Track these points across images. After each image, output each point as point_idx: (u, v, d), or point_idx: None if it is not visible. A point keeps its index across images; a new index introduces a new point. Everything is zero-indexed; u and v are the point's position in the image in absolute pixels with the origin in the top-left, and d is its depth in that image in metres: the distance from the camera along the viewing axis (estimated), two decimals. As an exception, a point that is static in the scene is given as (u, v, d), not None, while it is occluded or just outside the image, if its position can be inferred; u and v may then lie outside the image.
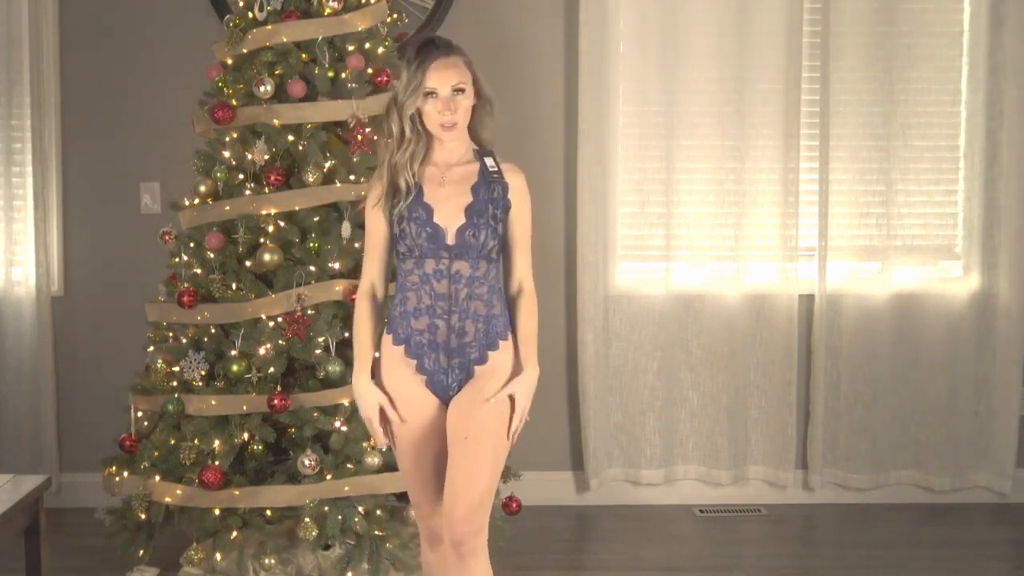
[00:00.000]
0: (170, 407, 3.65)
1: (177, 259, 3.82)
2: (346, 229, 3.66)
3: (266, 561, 3.63)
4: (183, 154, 4.12)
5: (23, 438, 4.63)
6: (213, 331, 3.72)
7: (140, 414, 3.78)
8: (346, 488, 3.55)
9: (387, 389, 2.79)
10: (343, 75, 3.77)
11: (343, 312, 3.61)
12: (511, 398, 2.74)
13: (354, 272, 3.57)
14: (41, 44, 4.54)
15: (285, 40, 3.74)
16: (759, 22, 4.59)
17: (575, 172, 4.62)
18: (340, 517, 3.54)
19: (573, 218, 4.66)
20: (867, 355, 4.71)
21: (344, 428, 3.59)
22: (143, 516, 3.63)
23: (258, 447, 3.64)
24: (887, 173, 4.67)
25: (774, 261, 4.70)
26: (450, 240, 2.71)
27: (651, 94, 4.65)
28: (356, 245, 3.63)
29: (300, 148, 3.70)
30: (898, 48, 4.63)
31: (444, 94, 2.68)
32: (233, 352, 3.65)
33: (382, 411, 2.78)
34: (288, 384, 3.66)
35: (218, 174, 3.76)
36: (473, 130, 2.79)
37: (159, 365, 3.75)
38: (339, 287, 3.61)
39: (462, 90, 2.69)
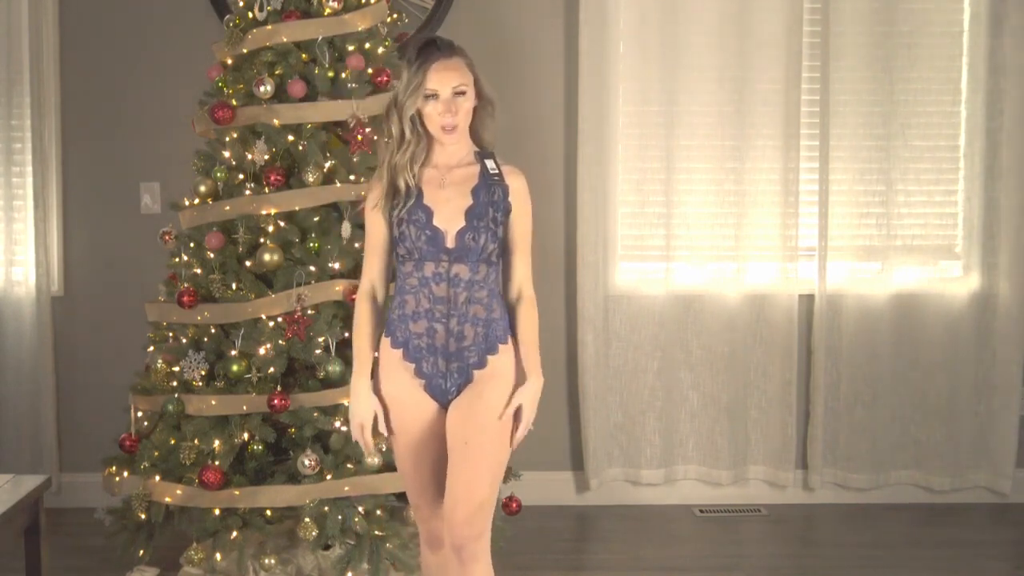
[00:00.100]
0: (170, 407, 3.65)
1: (177, 259, 3.82)
2: (346, 229, 3.66)
3: (266, 561, 3.63)
4: (183, 154, 4.12)
5: (23, 438, 4.63)
6: (213, 331, 3.72)
7: (140, 414, 3.78)
8: (346, 488, 3.55)
9: (385, 392, 2.77)
10: (343, 75, 3.77)
11: (343, 312, 3.61)
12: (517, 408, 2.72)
13: (354, 272, 3.57)
14: (41, 44, 4.54)
15: (285, 40, 3.74)
16: (759, 22, 4.60)
17: (575, 172, 4.62)
18: (340, 517, 3.54)
19: (573, 218, 4.66)
20: (867, 355, 4.71)
21: (344, 428, 3.58)
22: (143, 516, 3.63)
23: (258, 447, 3.64)
24: (887, 173, 4.67)
25: (774, 261, 4.70)
26: (449, 243, 2.69)
27: (651, 94, 4.65)
28: (356, 245, 3.63)
29: (300, 148, 3.70)
30: (898, 48, 4.63)
31: (445, 96, 2.65)
32: (233, 352, 3.65)
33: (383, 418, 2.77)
34: (288, 384, 3.66)
35: (218, 174, 3.76)
36: (474, 132, 2.77)
37: (159, 365, 3.75)
38: (339, 287, 3.61)
39: (463, 92, 2.67)
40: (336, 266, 3.64)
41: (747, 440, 4.76)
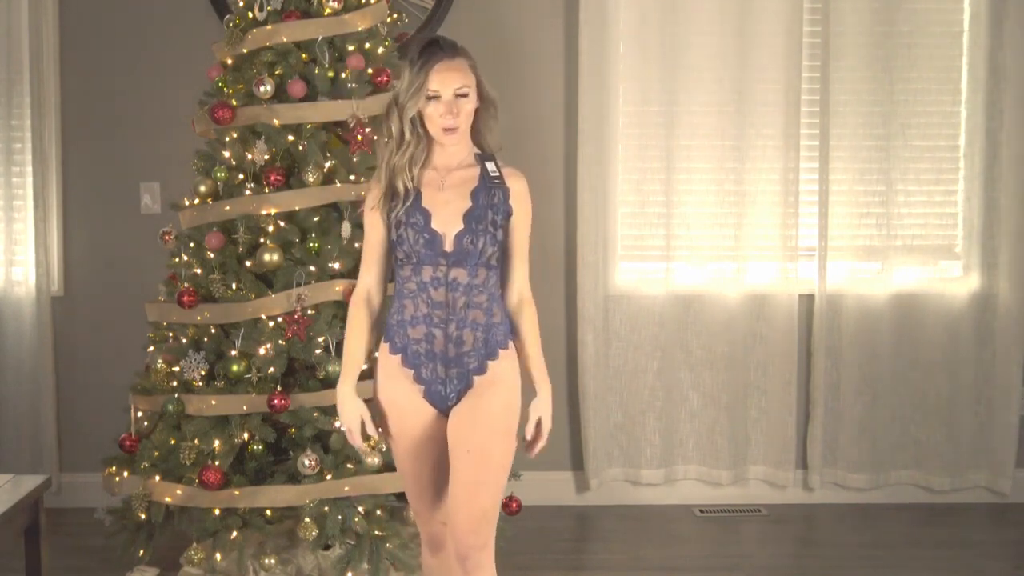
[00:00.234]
0: (170, 407, 3.65)
1: (177, 259, 3.82)
2: (346, 229, 3.66)
3: (266, 561, 3.63)
4: (183, 154, 4.12)
5: (23, 438, 4.63)
6: (213, 331, 3.72)
7: (140, 414, 3.78)
8: (346, 488, 3.55)
9: (384, 398, 2.74)
10: (343, 75, 3.77)
11: (343, 312, 3.60)
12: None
13: (354, 272, 3.55)
14: (41, 44, 4.54)
15: (285, 40, 3.74)
16: (759, 22, 4.59)
17: (575, 172, 4.62)
18: (340, 517, 3.54)
19: (573, 218, 4.66)
20: (867, 355, 4.71)
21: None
22: (143, 516, 3.63)
23: (258, 447, 3.64)
24: (887, 173, 4.67)
25: (774, 261, 4.70)
26: (448, 247, 2.64)
27: (651, 94, 4.65)
28: (356, 245, 3.63)
29: (300, 148, 3.70)
30: (898, 48, 4.63)
31: (447, 97, 2.61)
32: (233, 352, 3.65)
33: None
34: (288, 384, 3.66)
35: (218, 174, 3.76)
36: (475, 134, 2.72)
37: (159, 365, 3.75)
38: (339, 287, 3.61)
39: (465, 94, 2.62)
40: (336, 266, 3.64)
41: (747, 440, 4.76)
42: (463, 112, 2.63)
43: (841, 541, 4.41)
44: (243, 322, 3.66)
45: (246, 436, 3.63)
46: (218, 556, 3.63)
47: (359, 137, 3.68)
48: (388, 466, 3.56)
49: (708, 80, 4.64)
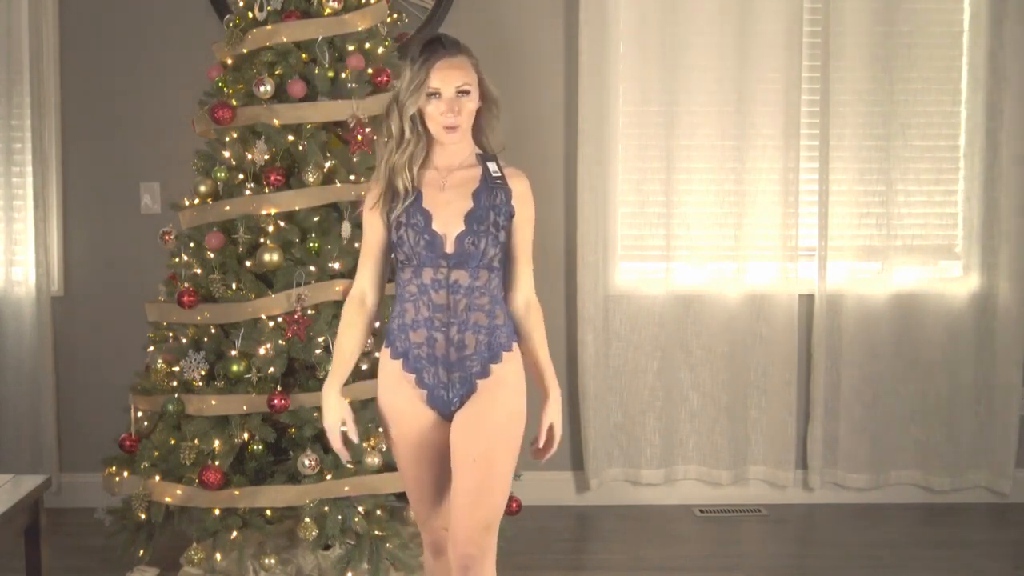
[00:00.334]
0: (170, 407, 3.65)
1: (177, 259, 3.82)
2: (346, 229, 3.66)
3: (266, 561, 3.63)
4: (183, 154, 4.12)
5: (23, 438, 4.63)
6: (213, 331, 3.72)
7: (140, 414, 3.78)
8: (346, 488, 3.55)
9: (385, 403, 2.69)
10: (343, 75, 3.77)
11: (343, 312, 3.61)
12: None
13: (354, 272, 3.54)
14: (41, 44, 4.54)
15: (285, 40, 3.74)
16: (759, 22, 4.60)
17: (575, 172, 4.63)
18: (340, 517, 3.54)
19: (573, 218, 4.66)
20: (867, 355, 4.71)
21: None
22: (143, 516, 3.63)
23: (258, 447, 3.64)
24: (887, 173, 4.67)
25: (774, 261, 4.70)
26: (448, 248, 2.58)
27: (651, 94, 4.65)
28: (356, 245, 3.62)
29: (300, 148, 3.70)
30: (898, 48, 4.63)
31: (448, 95, 2.56)
32: (233, 352, 3.65)
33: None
34: (288, 384, 3.66)
35: (218, 174, 3.76)
36: (476, 134, 2.67)
37: (159, 365, 3.75)
38: (339, 287, 3.61)
39: (467, 92, 2.57)
40: (336, 266, 3.64)
41: (747, 440, 4.76)
42: (464, 110, 2.58)
43: (841, 541, 4.41)
44: (243, 322, 3.66)
45: (246, 436, 3.63)
46: (218, 556, 3.63)
47: (359, 137, 3.68)
48: (388, 466, 3.56)
49: (708, 80, 4.64)
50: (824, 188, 4.66)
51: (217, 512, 3.57)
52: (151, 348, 3.87)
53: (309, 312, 3.62)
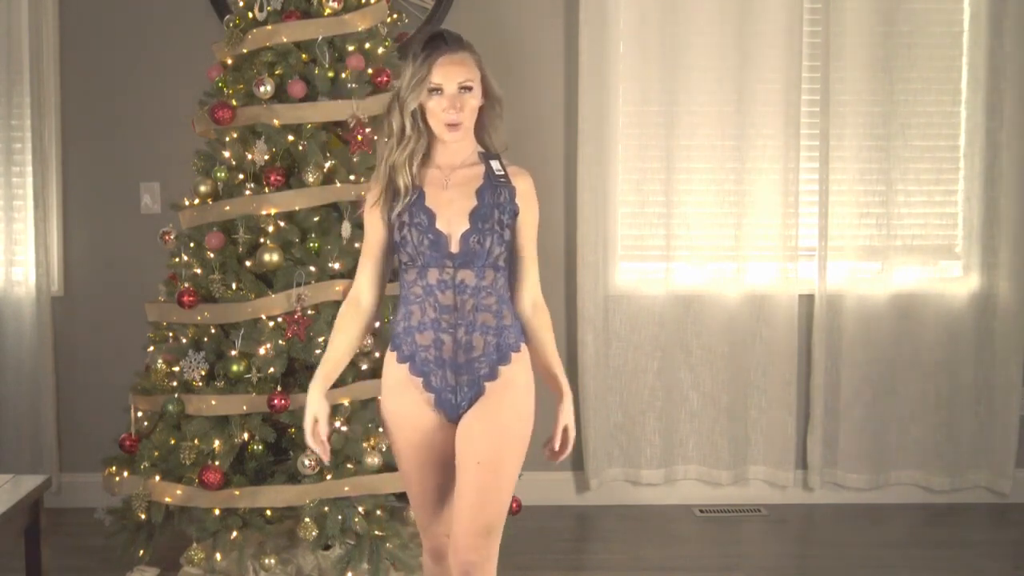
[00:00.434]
0: (170, 407, 3.65)
1: (177, 259, 3.82)
2: (346, 229, 3.66)
3: (266, 561, 3.63)
4: (183, 154, 4.12)
5: (23, 438, 4.63)
6: (213, 331, 3.72)
7: (140, 414, 3.78)
8: (346, 488, 3.55)
9: (389, 410, 2.64)
10: (343, 75, 3.77)
11: (343, 312, 3.61)
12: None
13: (354, 272, 3.55)
14: (41, 44, 4.54)
15: (285, 40, 3.74)
16: (759, 22, 4.60)
17: (575, 172, 4.63)
18: (340, 517, 3.54)
19: (573, 218, 4.66)
20: (867, 355, 4.71)
21: (344, 428, 3.59)
22: (143, 516, 3.63)
23: (258, 447, 3.64)
24: (887, 173, 4.67)
25: (774, 261, 4.70)
26: (454, 247, 2.54)
27: (651, 94, 4.65)
28: (356, 245, 3.63)
29: (300, 148, 3.70)
30: (898, 48, 4.63)
31: (450, 91, 2.51)
32: (233, 352, 3.65)
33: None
34: (288, 384, 3.66)
35: (218, 174, 3.76)
36: (479, 132, 2.63)
37: (159, 365, 3.75)
38: (339, 287, 3.61)
39: (470, 88, 2.53)
40: (336, 266, 3.64)
41: (747, 440, 4.76)
42: (467, 107, 2.53)
43: (841, 541, 4.41)
44: (243, 322, 3.66)
45: (246, 436, 3.63)
46: (218, 556, 3.63)
47: (359, 137, 3.68)
48: (388, 466, 3.56)
49: (708, 80, 4.64)
50: (824, 188, 4.66)
51: (217, 512, 3.57)
52: (151, 348, 3.87)
53: (309, 312, 3.62)
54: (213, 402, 3.62)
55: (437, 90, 2.52)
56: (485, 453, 2.53)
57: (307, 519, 3.53)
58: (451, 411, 2.59)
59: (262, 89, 3.69)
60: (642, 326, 4.71)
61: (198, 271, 3.74)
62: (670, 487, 4.79)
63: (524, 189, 2.63)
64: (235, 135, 3.78)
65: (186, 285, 3.70)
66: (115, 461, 3.77)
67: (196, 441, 3.61)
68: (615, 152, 4.66)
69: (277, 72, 3.75)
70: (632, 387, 4.72)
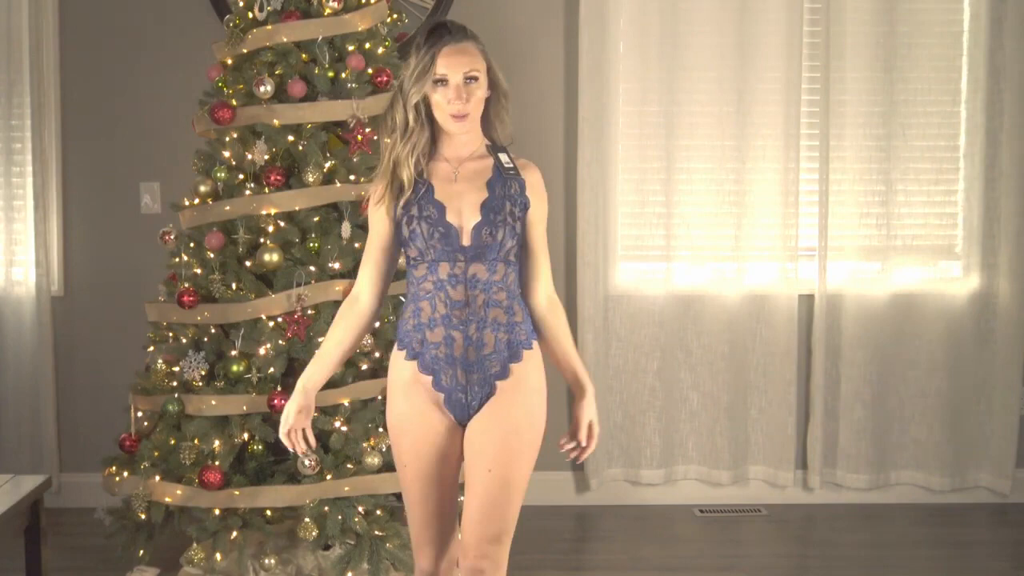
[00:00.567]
0: (170, 407, 3.65)
1: (177, 259, 3.81)
2: (346, 229, 3.66)
3: (266, 561, 3.63)
4: (183, 154, 4.12)
5: (23, 438, 4.64)
6: (213, 331, 3.72)
7: (140, 414, 3.78)
8: (346, 488, 3.55)
9: (394, 414, 2.56)
10: (343, 75, 3.77)
11: (343, 312, 3.61)
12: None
13: (354, 272, 3.55)
14: (41, 44, 4.54)
15: (285, 40, 3.74)
16: (759, 22, 4.60)
17: (575, 172, 4.63)
18: (340, 517, 3.54)
19: (573, 218, 4.66)
20: (867, 355, 4.71)
21: (344, 428, 3.59)
22: (143, 516, 3.63)
23: (258, 447, 3.64)
24: (887, 173, 4.67)
25: (774, 261, 4.70)
26: (465, 240, 2.47)
27: (651, 94, 4.65)
28: (356, 245, 3.63)
29: (300, 148, 3.70)
30: (898, 48, 4.63)
31: (455, 81, 2.44)
32: (233, 352, 3.66)
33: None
34: (288, 384, 3.64)
35: (218, 174, 3.76)
36: (485, 125, 2.56)
37: (159, 365, 3.75)
38: (339, 287, 3.61)
39: (475, 78, 2.46)
40: (336, 266, 3.64)
41: (747, 440, 4.76)
42: (473, 97, 2.47)
43: (841, 541, 4.41)
44: (243, 322, 3.66)
45: (246, 436, 3.64)
46: (218, 556, 3.63)
47: (359, 137, 3.68)
48: (388, 466, 3.56)
49: (708, 80, 4.64)
50: (824, 188, 4.66)
51: (217, 512, 3.57)
52: (151, 348, 3.87)
53: (309, 312, 3.62)
54: (213, 402, 3.62)
55: (442, 81, 2.46)
56: (496, 461, 2.48)
57: (307, 519, 3.53)
58: (461, 412, 2.53)
59: (262, 89, 3.69)
60: (642, 326, 4.71)
61: (198, 271, 3.74)
62: (670, 487, 4.79)
63: (533, 182, 2.57)
64: (235, 135, 3.78)
65: (186, 285, 3.70)
66: (115, 461, 3.77)
67: (196, 441, 3.62)
68: (615, 152, 4.66)
69: (277, 72, 3.75)
70: (632, 387, 4.72)
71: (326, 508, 3.54)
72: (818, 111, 4.65)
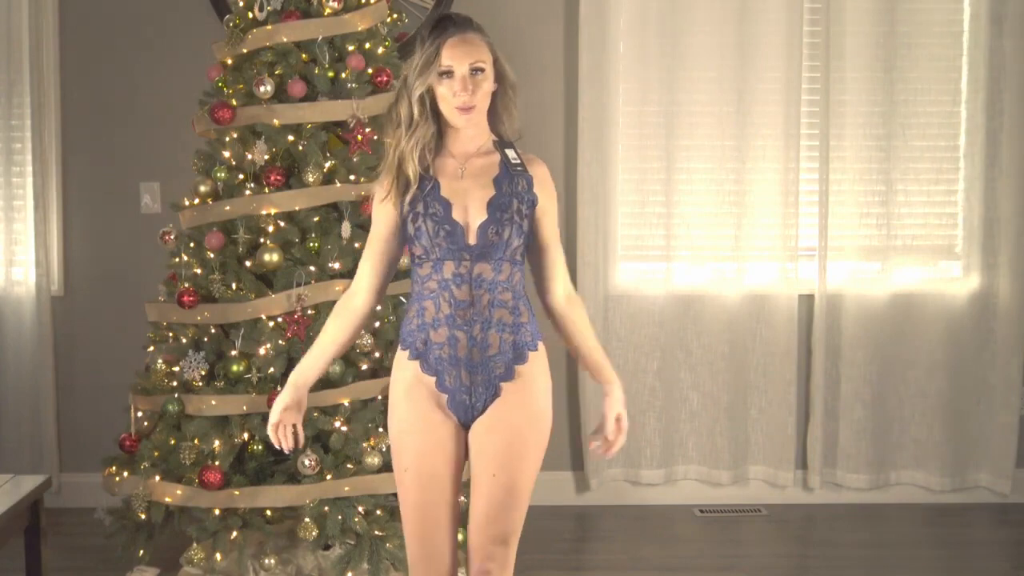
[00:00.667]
0: (170, 407, 3.65)
1: (177, 259, 3.81)
2: (346, 229, 3.66)
3: (266, 561, 3.63)
4: (183, 154, 4.12)
5: (23, 438, 4.63)
6: (213, 331, 3.72)
7: (140, 414, 3.78)
8: (346, 488, 3.55)
9: (400, 413, 2.50)
10: (343, 75, 3.77)
11: (343, 312, 3.60)
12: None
13: (354, 272, 3.56)
14: (41, 44, 4.54)
15: (285, 40, 3.74)
16: (759, 22, 4.60)
17: (575, 172, 4.63)
18: (340, 517, 3.54)
19: (573, 218, 4.66)
20: (867, 355, 4.71)
21: (344, 428, 3.59)
22: (143, 516, 3.63)
23: (258, 447, 3.64)
24: (887, 173, 4.67)
25: (774, 261, 4.70)
26: (471, 239, 2.42)
27: (651, 94, 4.65)
28: (356, 245, 3.63)
29: (300, 148, 3.70)
30: (898, 48, 4.63)
31: (461, 73, 2.38)
32: (233, 352, 3.66)
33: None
34: (288, 384, 3.66)
35: (218, 174, 3.76)
36: (492, 119, 2.50)
37: (159, 365, 3.75)
38: (339, 287, 3.60)
39: (481, 69, 2.40)
40: (336, 266, 3.64)
41: (747, 440, 4.76)
42: (479, 90, 2.40)
43: (841, 541, 4.41)
44: (243, 322, 3.66)
45: (246, 436, 3.64)
46: (218, 556, 3.63)
47: (359, 137, 3.68)
48: (388, 466, 3.55)
49: (708, 80, 4.64)
50: (824, 188, 4.66)
51: (217, 512, 3.57)
52: (151, 348, 3.86)
53: (309, 312, 3.62)
54: (213, 402, 3.62)
55: (447, 73, 2.40)
56: (500, 466, 2.43)
57: (307, 519, 3.53)
58: (464, 414, 2.48)
59: (262, 89, 3.69)
60: (642, 326, 4.71)
61: (198, 271, 3.74)
62: (670, 487, 4.79)
63: (541, 176, 2.53)
64: (235, 135, 3.78)
65: (186, 285, 3.70)
66: (115, 461, 3.77)
67: (196, 441, 3.61)
68: (615, 152, 4.66)
69: (277, 72, 3.75)
70: (632, 387, 4.72)
71: (326, 508, 3.54)
72: (818, 111, 4.65)
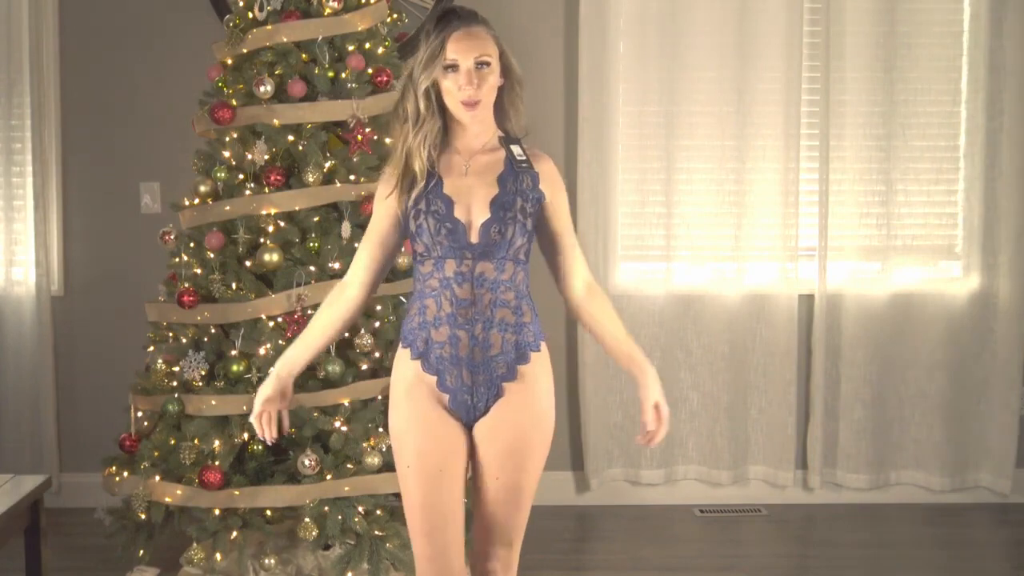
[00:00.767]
0: (170, 407, 3.65)
1: (177, 259, 3.81)
2: (346, 229, 3.66)
3: (266, 561, 3.63)
4: (183, 154, 4.12)
5: (23, 438, 4.64)
6: (213, 331, 3.72)
7: (140, 414, 3.78)
8: (346, 488, 3.55)
9: (401, 412, 2.46)
10: (343, 75, 3.77)
11: (343, 312, 3.60)
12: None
13: (354, 272, 3.57)
14: (41, 44, 4.55)
15: (285, 40, 3.74)
16: (759, 22, 4.60)
17: (575, 172, 4.63)
18: (340, 517, 3.54)
19: (573, 218, 4.60)
20: (867, 355, 4.71)
21: (344, 428, 3.59)
22: (143, 516, 3.63)
23: (258, 447, 3.64)
24: (887, 173, 4.67)
25: (774, 261, 4.70)
26: (473, 237, 2.39)
27: (651, 94, 4.65)
28: (356, 245, 3.61)
29: (300, 148, 3.70)
30: (898, 48, 4.63)
31: (466, 67, 2.35)
32: (233, 352, 3.66)
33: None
34: (288, 384, 3.66)
35: (218, 174, 3.76)
36: (498, 115, 2.47)
37: (159, 365, 3.75)
38: (339, 287, 3.60)
39: (487, 63, 2.37)
40: (336, 266, 3.64)
41: (747, 440, 4.76)
42: (485, 84, 2.37)
43: (841, 541, 4.41)
44: (243, 322, 3.66)
45: (246, 436, 3.64)
46: (218, 556, 3.63)
47: (359, 137, 3.68)
48: (388, 466, 3.56)
49: (708, 80, 4.64)
50: (824, 188, 4.66)
51: (217, 512, 3.57)
52: (151, 348, 3.86)
53: (309, 312, 3.61)
54: (213, 402, 3.62)
55: (452, 67, 2.37)
56: (503, 468, 2.43)
57: (307, 519, 3.53)
58: (466, 414, 2.46)
59: (262, 89, 3.69)
60: (642, 326, 4.70)
61: (198, 271, 3.74)
62: (670, 487, 4.79)
63: (548, 172, 2.50)
64: (235, 135, 3.78)
65: (186, 285, 3.70)
66: (115, 461, 3.77)
67: (196, 441, 3.62)
68: (615, 152, 4.66)
69: (277, 72, 3.75)
70: (632, 387, 4.70)
71: (326, 508, 3.54)
72: (818, 111, 4.65)
